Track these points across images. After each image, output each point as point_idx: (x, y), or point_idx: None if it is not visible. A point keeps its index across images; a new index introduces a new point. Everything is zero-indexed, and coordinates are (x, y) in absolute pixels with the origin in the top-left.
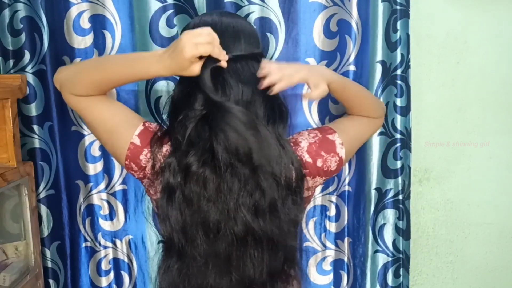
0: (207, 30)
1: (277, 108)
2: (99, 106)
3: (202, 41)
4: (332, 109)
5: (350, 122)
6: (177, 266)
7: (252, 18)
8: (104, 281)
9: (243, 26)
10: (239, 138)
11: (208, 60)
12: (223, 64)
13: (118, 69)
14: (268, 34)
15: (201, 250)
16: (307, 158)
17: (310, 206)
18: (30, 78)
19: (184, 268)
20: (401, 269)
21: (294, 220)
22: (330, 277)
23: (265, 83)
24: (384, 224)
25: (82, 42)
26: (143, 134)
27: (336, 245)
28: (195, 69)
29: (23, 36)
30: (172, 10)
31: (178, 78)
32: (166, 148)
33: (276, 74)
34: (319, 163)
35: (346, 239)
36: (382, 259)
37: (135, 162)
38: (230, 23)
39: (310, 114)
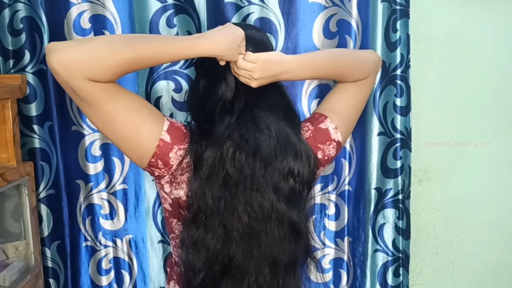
0: None
1: (291, 108)
2: (124, 96)
3: None
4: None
5: (337, 97)
6: (207, 241)
7: (252, 18)
8: (104, 280)
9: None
10: (263, 132)
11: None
12: None
13: (156, 48)
14: (268, 35)
15: (235, 224)
16: None
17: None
18: (30, 78)
19: (213, 242)
20: (401, 268)
21: (307, 211)
22: (329, 275)
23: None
24: (384, 223)
25: None
26: (172, 131)
27: (336, 243)
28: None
29: (23, 36)
30: (172, 10)
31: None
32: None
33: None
34: (319, 155)
35: (346, 238)
36: (381, 258)
37: (163, 160)
38: (263, 37)
39: (309, 113)
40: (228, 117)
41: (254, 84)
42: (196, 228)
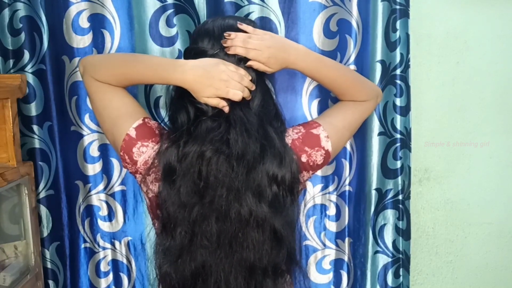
0: (241, 78)
1: (278, 114)
2: (110, 94)
3: (237, 89)
4: (331, 106)
5: (336, 111)
6: (179, 247)
7: (252, 18)
8: (103, 283)
9: None
10: (249, 136)
11: None
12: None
13: (140, 71)
14: None
15: (206, 228)
16: None
17: (310, 205)
18: (30, 78)
19: (186, 248)
20: (401, 269)
21: (292, 216)
22: (329, 276)
23: (231, 50)
24: (384, 224)
25: (81, 41)
26: (140, 128)
27: (337, 244)
28: (212, 102)
29: (22, 36)
30: (172, 10)
31: None
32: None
33: (239, 47)
34: (303, 158)
35: (346, 239)
36: (382, 259)
37: (128, 154)
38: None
39: (309, 112)
40: (209, 122)
41: (266, 53)
42: (167, 235)
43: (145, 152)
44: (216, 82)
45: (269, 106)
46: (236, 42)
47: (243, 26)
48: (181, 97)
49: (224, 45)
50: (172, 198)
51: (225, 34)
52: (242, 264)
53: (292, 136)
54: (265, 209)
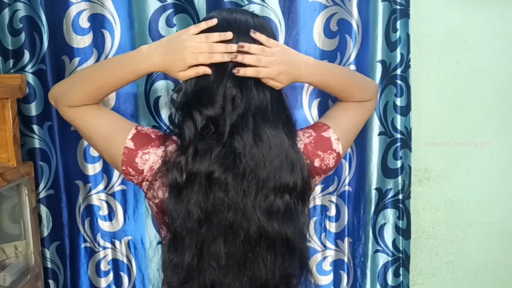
0: (209, 39)
1: (289, 118)
2: (92, 115)
3: (204, 51)
4: (331, 107)
5: (341, 113)
6: (186, 266)
7: None
8: (103, 282)
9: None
10: (257, 146)
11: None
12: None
13: (109, 73)
14: None
15: (215, 249)
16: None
17: (310, 206)
18: (30, 77)
19: (194, 268)
20: (401, 268)
21: (303, 224)
22: (330, 277)
23: (241, 72)
24: (384, 224)
25: (81, 41)
26: (136, 138)
27: (336, 245)
28: (190, 73)
29: (22, 36)
30: (171, 10)
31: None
32: (163, 148)
33: (251, 60)
34: (316, 163)
35: (346, 239)
36: (382, 258)
37: (132, 166)
38: (263, 24)
39: (309, 111)
40: (216, 134)
41: (277, 70)
42: (175, 253)
43: (149, 159)
44: (181, 52)
45: (280, 110)
46: (248, 61)
47: (256, 35)
48: (188, 104)
49: (235, 60)
50: (180, 219)
51: (238, 46)
52: (252, 282)
53: (304, 140)
54: (275, 227)
